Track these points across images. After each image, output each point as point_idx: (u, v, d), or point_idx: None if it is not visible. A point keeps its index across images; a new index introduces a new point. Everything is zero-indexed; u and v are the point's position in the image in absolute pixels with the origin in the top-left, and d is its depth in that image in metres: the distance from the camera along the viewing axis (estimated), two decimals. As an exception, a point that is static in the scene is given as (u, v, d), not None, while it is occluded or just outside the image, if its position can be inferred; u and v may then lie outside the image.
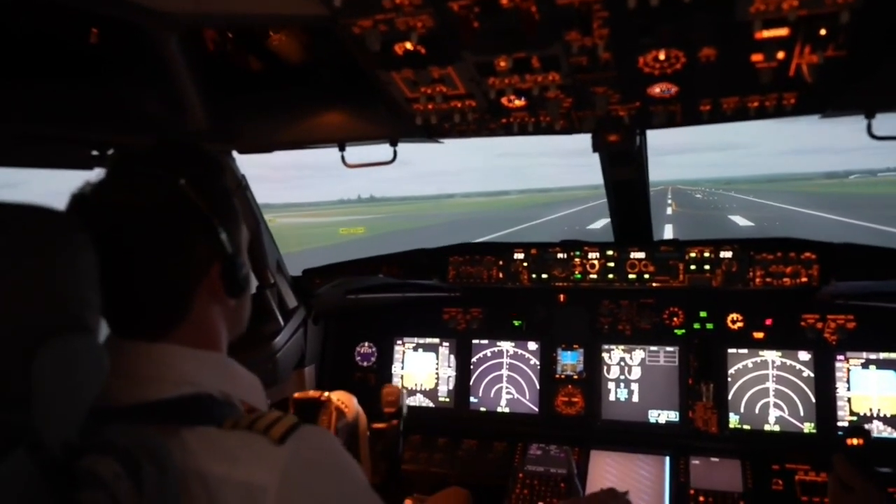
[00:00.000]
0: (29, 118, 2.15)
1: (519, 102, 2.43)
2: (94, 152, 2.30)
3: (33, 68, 2.14)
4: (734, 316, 3.37)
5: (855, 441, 2.14)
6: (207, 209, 1.33)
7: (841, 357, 3.20)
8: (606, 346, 3.52)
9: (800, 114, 2.39)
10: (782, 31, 1.92)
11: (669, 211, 44.71)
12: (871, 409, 3.14)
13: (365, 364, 3.91)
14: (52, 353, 1.01)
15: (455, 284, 3.59)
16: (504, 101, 2.42)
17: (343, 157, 2.84)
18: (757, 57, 2.04)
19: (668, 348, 3.43)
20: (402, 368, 3.84)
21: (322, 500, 1.26)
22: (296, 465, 1.22)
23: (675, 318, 3.44)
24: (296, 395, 2.73)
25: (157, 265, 1.30)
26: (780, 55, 2.02)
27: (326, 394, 2.68)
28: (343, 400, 2.71)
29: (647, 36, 1.98)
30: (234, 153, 2.94)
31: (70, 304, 1.08)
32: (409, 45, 2.11)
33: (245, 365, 1.46)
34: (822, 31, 1.91)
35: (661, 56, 2.09)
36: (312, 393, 2.70)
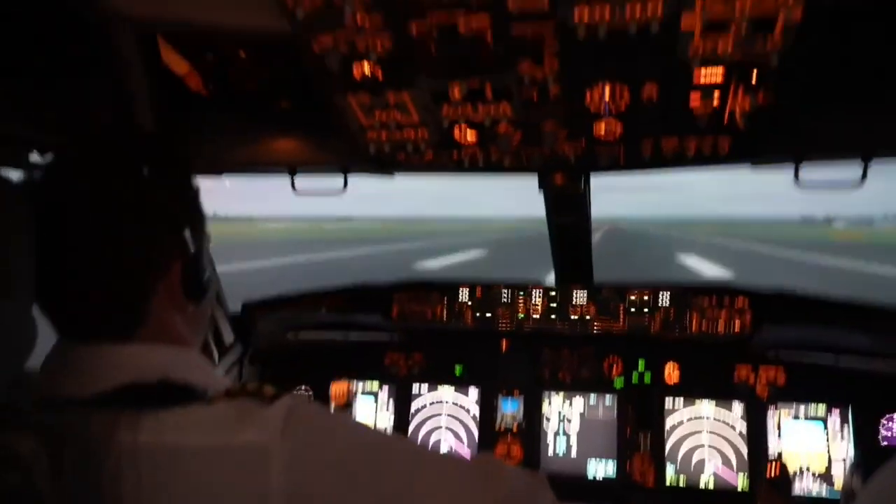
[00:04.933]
0: None
1: (471, 135, 2.51)
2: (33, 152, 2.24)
3: None
4: (671, 367, 3.42)
5: (773, 471, 2.50)
6: (172, 203, 1.27)
7: (772, 410, 3.27)
8: (546, 394, 3.51)
9: (733, 160, 2.53)
10: (718, 75, 2.06)
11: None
12: (800, 466, 3.19)
13: (300, 409, 3.78)
14: None
15: (398, 322, 3.55)
16: (456, 132, 2.49)
17: (293, 182, 2.84)
18: (695, 99, 2.18)
19: (607, 398, 3.45)
20: (339, 415, 3.72)
21: (332, 446, 1.18)
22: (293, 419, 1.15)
23: (614, 368, 3.47)
24: None
25: (113, 259, 1.20)
26: (717, 98, 2.17)
27: None
28: None
29: (594, 69, 2.10)
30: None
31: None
32: (366, 68, 2.18)
33: None
34: (754, 77, 2.06)
35: (607, 93, 2.21)
36: None
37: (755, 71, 2.04)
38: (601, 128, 2.40)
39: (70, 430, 1.10)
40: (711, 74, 2.07)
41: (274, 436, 1.11)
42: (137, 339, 1.23)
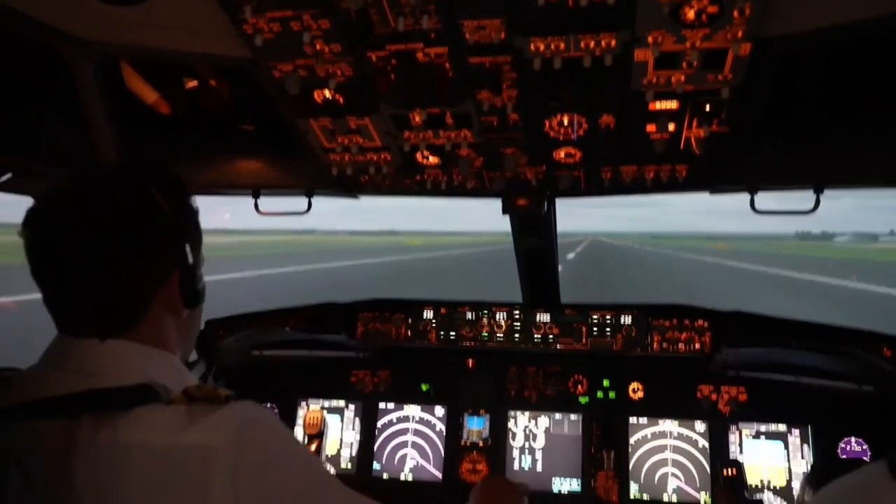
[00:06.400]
0: None
1: (433, 159, 2.52)
2: None
3: None
4: (635, 385, 3.46)
5: (730, 471, 2.58)
6: (174, 219, 1.42)
7: (734, 428, 3.32)
8: (512, 413, 3.54)
9: (691, 187, 2.58)
10: (672, 104, 2.10)
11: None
12: (761, 481, 3.24)
13: (266, 427, 3.74)
14: None
15: (363, 341, 3.55)
16: (418, 156, 2.50)
17: (256, 205, 2.83)
18: (651, 127, 2.22)
19: (572, 416, 3.48)
20: (305, 432, 3.70)
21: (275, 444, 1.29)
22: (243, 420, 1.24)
23: (579, 386, 3.50)
24: None
25: (119, 267, 1.35)
26: (672, 127, 2.21)
27: None
28: None
29: (551, 99, 2.12)
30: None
31: None
32: (327, 93, 2.18)
33: None
34: (707, 107, 2.11)
35: (565, 121, 2.24)
36: None
37: (708, 102, 2.08)
38: (561, 153, 2.43)
39: (27, 441, 1.20)
40: (666, 105, 2.11)
41: (225, 443, 1.19)
42: (127, 337, 1.36)
